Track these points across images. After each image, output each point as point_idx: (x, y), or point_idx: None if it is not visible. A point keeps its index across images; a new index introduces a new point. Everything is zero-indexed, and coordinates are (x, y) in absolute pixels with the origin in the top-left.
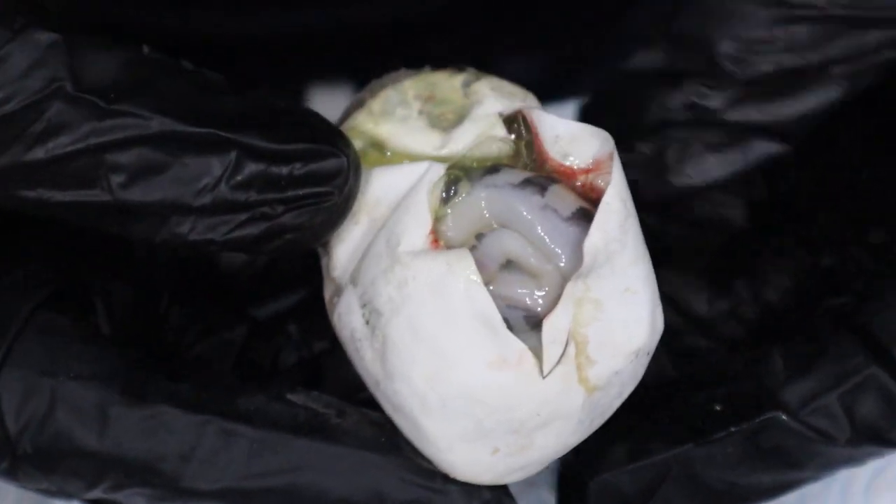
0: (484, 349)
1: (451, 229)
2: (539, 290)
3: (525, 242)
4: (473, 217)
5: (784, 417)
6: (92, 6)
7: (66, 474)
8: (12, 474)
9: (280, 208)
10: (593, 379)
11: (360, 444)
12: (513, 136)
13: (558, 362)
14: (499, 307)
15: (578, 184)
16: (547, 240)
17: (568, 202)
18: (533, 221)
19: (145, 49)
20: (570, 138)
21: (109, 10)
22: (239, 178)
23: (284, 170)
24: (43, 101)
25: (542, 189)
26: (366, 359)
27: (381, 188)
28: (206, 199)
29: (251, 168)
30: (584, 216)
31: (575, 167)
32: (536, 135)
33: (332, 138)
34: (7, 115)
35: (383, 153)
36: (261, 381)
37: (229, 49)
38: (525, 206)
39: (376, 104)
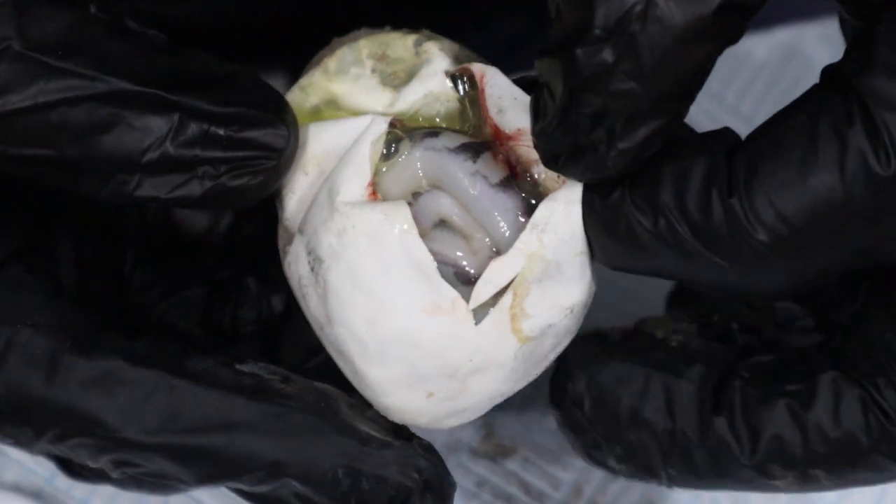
0: (418, 296)
1: (389, 185)
2: (469, 250)
3: (457, 204)
4: (410, 176)
5: None
6: None
7: (17, 422)
8: None
9: (222, 167)
10: (527, 330)
11: (300, 406)
12: (458, 93)
13: (491, 310)
14: None
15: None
16: (476, 203)
17: (497, 170)
18: (464, 185)
19: (92, 8)
20: (511, 102)
21: None
22: (182, 137)
23: (224, 131)
24: None
25: (476, 155)
26: (311, 304)
27: (329, 141)
28: (150, 158)
29: (194, 128)
30: (511, 184)
31: (508, 131)
32: (482, 91)
33: (272, 102)
34: None
35: (338, 110)
36: (219, 344)
37: (174, 32)
38: (458, 170)
39: (332, 63)
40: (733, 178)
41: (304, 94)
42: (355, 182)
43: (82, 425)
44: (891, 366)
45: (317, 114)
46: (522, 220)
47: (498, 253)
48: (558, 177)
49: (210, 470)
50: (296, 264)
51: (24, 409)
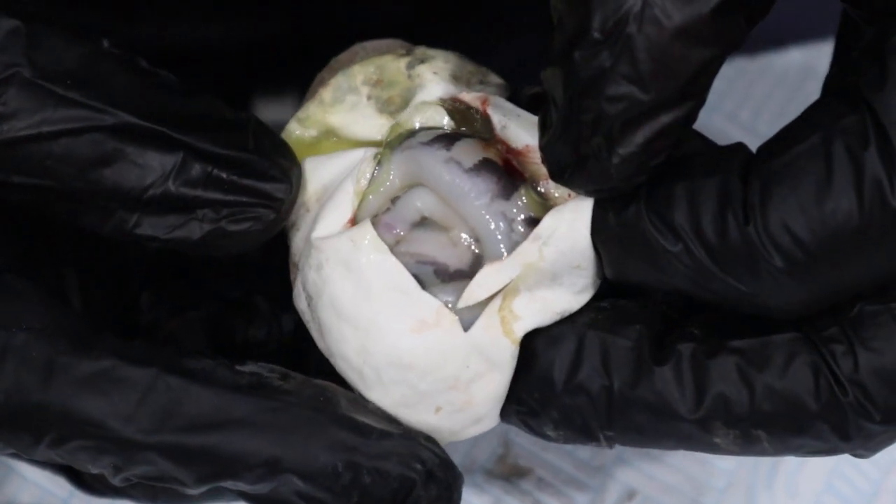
0: (402, 316)
1: (370, 203)
2: (450, 242)
3: (435, 197)
4: (388, 182)
5: None
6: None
7: (15, 428)
8: None
9: (223, 211)
10: (518, 331)
11: (297, 401)
12: (451, 122)
13: (481, 315)
14: (408, 265)
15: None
16: (450, 190)
17: (472, 154)
18: (438, 174)
19: (105, 43)
20: (515, 119)
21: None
22: (185, 176)
23: (227, 175)
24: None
25: (450, 143)
26: (315, 338)
27: (326, 176)
28: (152, 195)
29: (197, 169)
30: (488, 167)
31: (516, 147)
32: (484, 113)
33: (277, 151)
34: None
35: (337, 141)
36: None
37: (177, 56)
38: (431, 161)
39: (327, 93)
40: (748, 202)
41: (302, 126)
42: (335, 216)
43: (79, 427)
44: (855, 335)
45: (316, 146)
46: (495, 204)
47: (477, 241)
48: (569, 194)
49: (208, 469)
50: (297, 300)
51: (22, 414)
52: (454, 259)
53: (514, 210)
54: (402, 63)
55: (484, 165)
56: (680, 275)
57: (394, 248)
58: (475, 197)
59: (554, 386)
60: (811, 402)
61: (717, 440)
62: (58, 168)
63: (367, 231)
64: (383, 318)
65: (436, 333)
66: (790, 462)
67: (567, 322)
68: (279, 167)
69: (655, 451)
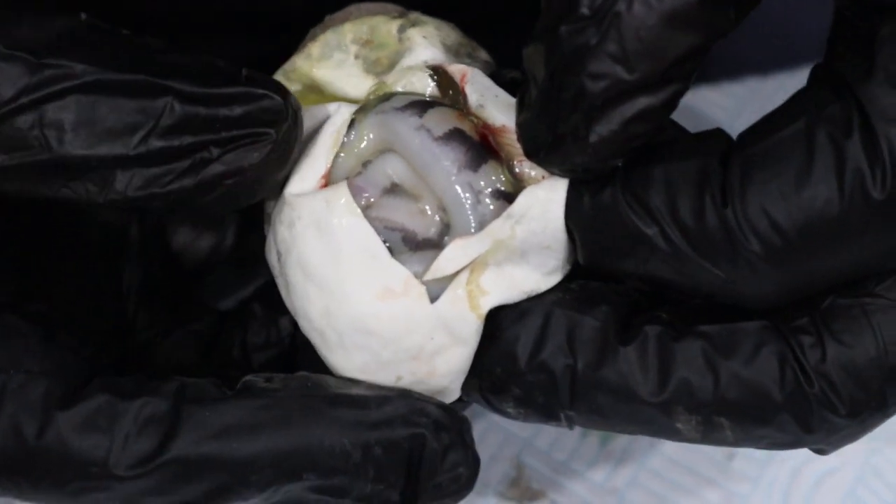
0: (369, 281)
1: (344, 163)
2: (419, 210)
3: (405, 164)
4: (362, 145)
5: None
6: None
7: (11, 473)
8: None
9: (216, 151)
10: (485, 306)
11: (286, 393)
12: (435, 88)
13: (448, 288)
14: (377, 230)
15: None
16: (418, 158)
17: (443, 122)
18: (408, 141)
19: (83, 16)
20: (492, 100)
21: None
22: (171, 122)
23: (220, 111)
24: None
25: (422, 110)
26: (283, 295)
27: (304, 127)
28: (141, 148)
29: (184, 111)
30: (458, 136)
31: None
32: (462, 89)
33: (268, 84)
34: None
35: (321, 96)
36: (232, 370)
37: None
38: (402, 127)
39: (315, 48)
40: (727, 185)
41: (287, 79)
42: (309, 173)
43: (78, 468)
44: (825, 327)
45: (301, 99)
46: (462, 174)
47: (443, 211)
48: (543, 176)
49: (216, 482)
50: (268, 255)
51: (20, 460)
52: (422, 228)
53: (482, 182)
54: (394, 25)
55: (454, 135)
56: (655, 259)
57: (364, 212)
58: (442, 166)
59: (517, 362)
60: (776, 391)
61: (679, 425)
62: (46, 136)
63: (342, 193)
64: (350, 282)
65: (402, 302)
66: (806, 485)
67: (535, 299)
68: (272, 94)
69: (672, 476)
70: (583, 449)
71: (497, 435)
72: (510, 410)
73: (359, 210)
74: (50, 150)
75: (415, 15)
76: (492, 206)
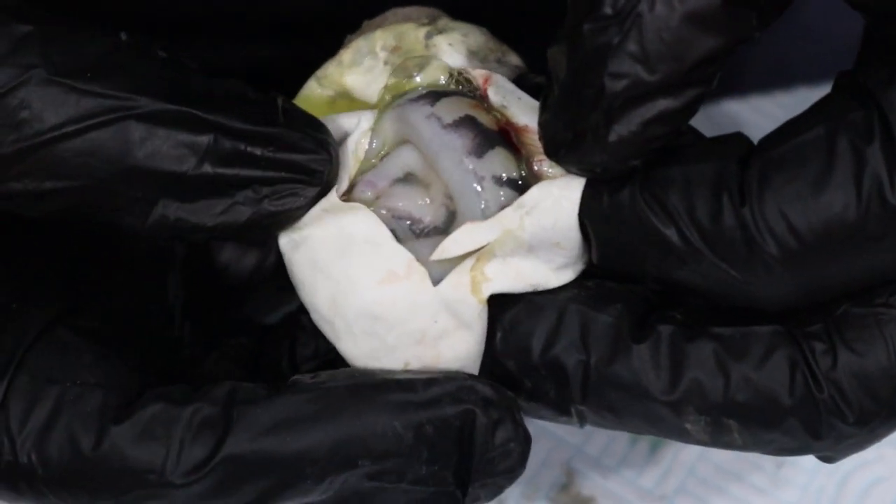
0: (373, 267)
1: (367, 168)
2: (428, 198)
3: (418, 154)
4: (383, 148)
5: None
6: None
7: (71, 485)
8: (13, 486)
9: (263, 191)
10: (486, 291)
11: (335, 384)
12: (454, 83)
13: (452, 272)
14: (384, 219)
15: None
16: (428, 146)
17: (454, 110)
18: (420, 129)
19: (123, 35)
20: (515, 101)
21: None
22: (218, 156)
23: (261, 151)
24: (17, 89)
25: (435, 99)
26: (296, 288)
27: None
28: (187, 179)
29: (230, 146)
30: (467, 123)
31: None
32: (484, 92)
33: (308, 125)
34: None
35: (351, 102)
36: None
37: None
38: (415, 116)
39: (347, 55)
40: (746, 186)
41: (320, 85)
42: (331, 192)
43: (136, 477)
44: (838, 334)
45: (332, 105)
46: (468, 160)
47: (450, 198)
48: (561, 175)
49: (272, 478)
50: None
51: (78, 472)
52: (429, 215)
53: (487, 168)
54: (422, 32)
55: (463, 122)
56: (671, 259)
57: (372, 203)
58: (449, 152)
59: (531, 356)
60: (785, 396)
61: (688, 426)
62: (90, 164)
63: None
64: (355, 268)
65: (405, 285)
66: (853, 494)
67: (550, 294)
68: (313, 140)
69: (720, 484)
70: (632, 455)
71: (548, 441)
72: (522, 404)
73: (361, 205)
74: (93, 177)
75: (443, 22)
76: (499, 194)
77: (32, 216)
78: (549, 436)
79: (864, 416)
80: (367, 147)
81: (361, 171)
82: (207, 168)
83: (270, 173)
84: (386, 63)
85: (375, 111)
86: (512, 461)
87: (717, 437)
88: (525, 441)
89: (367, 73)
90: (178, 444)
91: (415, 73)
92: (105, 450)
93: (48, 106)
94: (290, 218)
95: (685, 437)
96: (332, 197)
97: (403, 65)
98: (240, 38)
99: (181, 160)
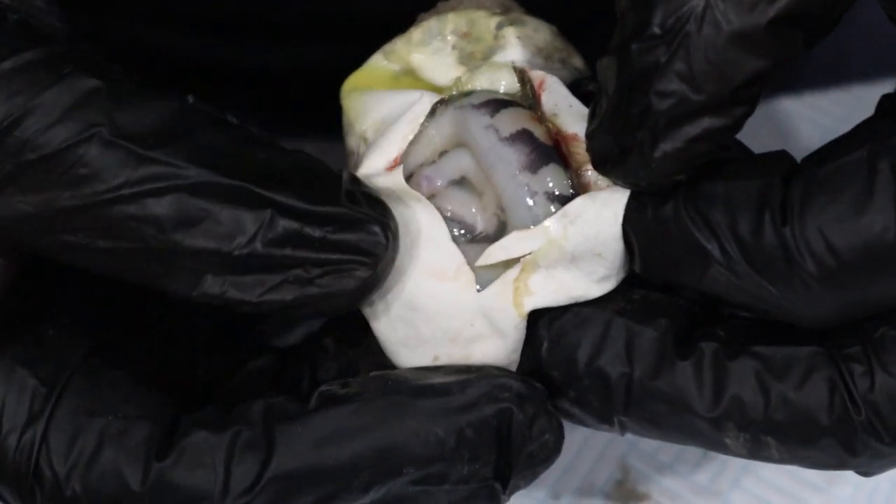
0: (426, 260)
1: (417, 150)
2: (480, 206)
3: (474, 160)
4: (440, 136)
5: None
6: (119, 30)
7: None
8: None
9: (314, 271)
10: (528, 305)
11: (369, 396)
12: (518, 89)
13: (496, 280)
14: None
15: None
16: (484, 157)
17: (512, 123)
18: (478, 139)
19: (190, 99)
20: (566, 109)
21: (137, 34)
22: (272, 235)
23: (318, 232)
24: (79, 145)
25: (496, 110)
26: None
27: (386, 111)
28: (238, 256)
29: (285, 226)
30: (524, 138)
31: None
32: (538, 96)
33: (371, 206)
34: (44, 157)
35: (416, 80)
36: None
37: (252, 77)
38: (474, 124)
39: (417, 33)
40: (788, 205)
41: (386, 59)
42: (381, 156)
43: None
44: (876, 356)
45: (397, 80)
46: (522, 175)
47: (502, 210)
48: (607, 186)
49: (320, 492)
50: None
51: (122, 500)
52: (481, 223)
53: (541, 184)
54: (493, 21)
55: (520, 136)
56: (712, 273)
57: (429, 200)
58: (504, 165)
59: (576, 366)
60: (823, 416)
61: (728, 441)
62: (142, 230)
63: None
64: (408, 257)
65: (451, 286)
66: None
67: (597, 306)
68: (374, 221)
69: (775, 480)
70: (687, 452)
71: (603, 437)
72: (566, 408)
73: (423, 197)
74: (145, 242)
75: (516, 14)
76: (551, 210)
77: (82, 269)
78: (603, 433)
79: None
80: (417, 129)
81: (410, 146)
82: (257, 247)
83: (323, 255)
84: (454, 47)
85: (436, 95)
86: (548, 451)
87: (756, 452)
88: (559, 429)
89: (434, 55)
90: (225, 470)
91: (479, 69)
92: (153, 484)
93: (107, 167)
94: (338, 300)
95: (724, 450)
96: (399, 177)
97: (472, 54)
98: (289, 38)
99: (231, 237)
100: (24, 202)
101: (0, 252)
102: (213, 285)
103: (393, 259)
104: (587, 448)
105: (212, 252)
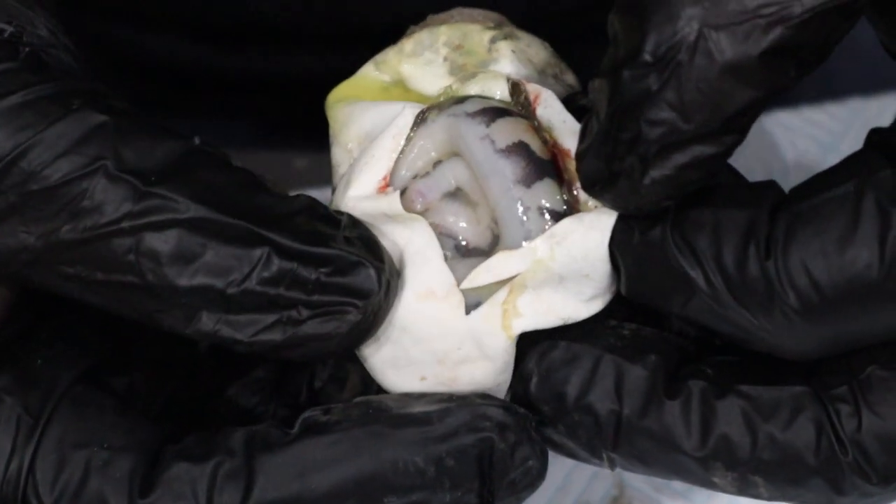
0: (415, 280)
1: (407, 161)
2: (475, 219)
3: (469, 171)
4: (432, 144)
5: None
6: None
7: None
8: None
9: (306, 313)
10: (516, 327)
11: (349, 425)
12: (511, 102)
13: (484, 303)
14: None
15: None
16: (479, 168)
17: (509, 135)
18: (472, 149)
19: (196, 140)
20: (560, 124)
21: (142, 42)
22: (267, 274)
23: (313, 273)
24: (83, 178)
25: (492, 119)
26: None
27: (370, 123)
28: (232, 294)
29: (280, 265)
30: (520, 150)
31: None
32: (532, 110)
33: (367, 250)
34: (48, 188)
35: (406, 91)
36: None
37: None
38: (468, 134)
39: (409, 44)
40: (772, 238)
41: (377, 69)
42: (369, 176)
43: None
44: (862, 397)
45: (388, 91)
46: (516, 189)
47: (495, 223)
48: (596, 206)
49: None
50: None
51: None
52: (475, 236)
53: (534, 199)
54: (487, 36)
55: (516, 148)
56: (696, 301)
57: (421, 214)
58: (498, 178)
59: (565, 402)
60: (810, 457)
61: (716, 479)
62: (140, 264)
63: (396, 202)
64: (399, 278)
65: (439, 307)
66: None
67: (587, 342)
68: (367, 264)
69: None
70: None
71: None
72: (556, 439)
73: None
74: (142, 277)
75: (510, 28)
76: (544, 226)
77: (77, 302)
78: None
79: (888, 476)
80: (402, 143)
81: (400, 156)
82: (253, 285)
83: (315, 297)
84: (446, 59)
85: (421, 105)
86: (531, 477)
87: (744, 490)
88: (542, 455)
89: (425, 66)
90: (207, 501)
91: (472, 77)
92: None
93: (110, 200)
94: (329, 343)
95: (713, 487)
96: (395, 201)
97: (463, 66)
98: (291, 47)
99: (227, 273)
100: (27, 232)
101: None
102: (207, 322)
103: (388, 305)
104: (582, 466)
105: (207, 288)
